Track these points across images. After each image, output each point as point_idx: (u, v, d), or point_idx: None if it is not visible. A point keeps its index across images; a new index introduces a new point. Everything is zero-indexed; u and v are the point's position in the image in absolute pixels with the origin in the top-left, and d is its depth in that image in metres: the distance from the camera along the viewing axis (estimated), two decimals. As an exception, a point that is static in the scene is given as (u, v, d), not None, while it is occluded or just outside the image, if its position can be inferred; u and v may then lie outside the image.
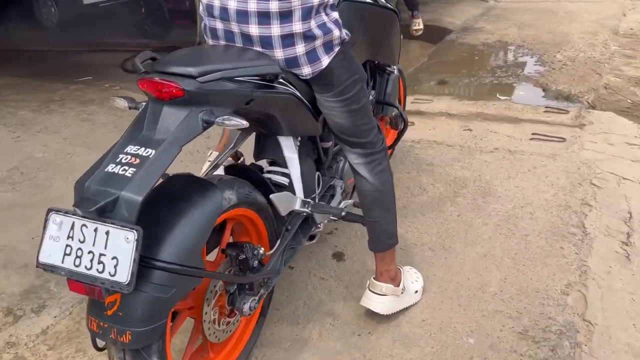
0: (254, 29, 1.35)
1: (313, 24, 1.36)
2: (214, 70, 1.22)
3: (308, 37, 1.36)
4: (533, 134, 3.13)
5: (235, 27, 1.38)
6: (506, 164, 2.77)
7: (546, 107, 3.58)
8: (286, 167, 1.64)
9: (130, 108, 1.30)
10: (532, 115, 3.45)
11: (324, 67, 1.41)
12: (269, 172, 1.70)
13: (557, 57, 4.65)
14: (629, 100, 3.72)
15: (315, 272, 2.01)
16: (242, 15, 1.34)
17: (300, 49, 1.37)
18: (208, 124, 1.20)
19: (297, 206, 1.57)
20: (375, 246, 1.70)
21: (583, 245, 2.08)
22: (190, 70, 1.19)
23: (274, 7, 1.32)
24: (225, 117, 1.20)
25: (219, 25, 1.41)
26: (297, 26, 1.34)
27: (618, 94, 3.83)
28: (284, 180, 1.67)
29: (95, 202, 1.05)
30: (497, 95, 3.91)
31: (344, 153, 1.67)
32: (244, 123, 1.20)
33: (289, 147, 1.58)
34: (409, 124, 2.31)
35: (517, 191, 2.50)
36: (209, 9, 1.40)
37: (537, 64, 4.55)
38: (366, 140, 1.60)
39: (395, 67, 2.17)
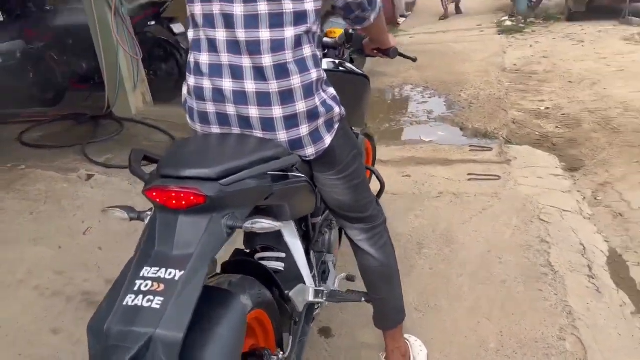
0: (253, 111, 1.25)
1: (316, 101, 1.28)
2: (234, 168, 1.08)
3: (311, 116, 1.28)
4: (469, 174, 3.25)
5: (231, 110, 1.27)
6: (457, 209, 2.83)
7: (470, 146, 3.76)
8: (279, 250, 1.50)
9: (132, 219, 1.11)
10: (460, 155, 3.60)
11: (327, 146, 1.33)
12: (261, 258, 1.54)
13: (462, 96, 4.96)
14: (537, 133, 4.03)
15: (305, 354, 1.85)
16: (240, 97, 1.24)
17: (304, 129, 1.28)
18: (233, 230, 1.05)
19: (312, 297, 1.43)
20: (384, 324, 1.60)
21: (557, 285, 2.14)
22: (208, 172, 1.04)
23: (273, 87, 1.22)
24: (255, 220, 1.06)
25: (211, 108, 1.29)
26: (301, 105, 1.25)
27: (526, 127, 4.14)
28: (278, 265, 1.52)
29: (125, 351, 0.84)
30: (421, 138, 4.04)
31: (345, 231, 1.57)
32: (278, 224, 1.06)
33: (291, 232, 1.44)
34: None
35: (478, 236, 2.54)
36: (198, 91, 1.29)
37: (446, 104, 4.81)
38: (367, 215, 1.53)
39: (362, 129, 2.13)
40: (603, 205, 2.90)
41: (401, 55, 1.93)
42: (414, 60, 2.07)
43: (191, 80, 1.30)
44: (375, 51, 1.88)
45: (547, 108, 4.52)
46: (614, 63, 5.56)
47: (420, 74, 5.92)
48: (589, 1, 7.77)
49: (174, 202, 1.01)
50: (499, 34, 7.67)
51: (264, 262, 1.50)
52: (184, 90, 1.36)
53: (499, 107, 4.56)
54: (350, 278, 1.74)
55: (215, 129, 1.31)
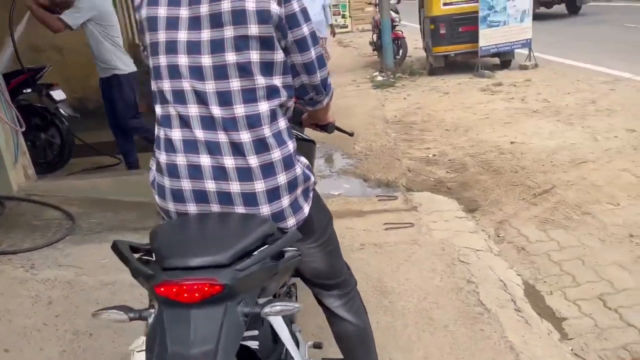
0: (235, 186, 1.23)
1: (297, 171, 1.30)
2: (242, 250, 1.03)
3: (291, 187, 1.30)
4: (385, 224, 3.39)
5: (211, 186, 1.24)
6: (382, 259, 2.92)
7: (377, 196, 3.95)
8: (253, 328, 1.42)
9: (131, 319, 1.01)
10: (371, 205, 3.75)
11: (306, 215, 1.33)
12: None
13: (357, 148, 5.22)
14: (431, 179, 4.35)
15: None
16: (220, 173, 1.23)
17: (285, 201, 1.28)
18: (248, 317, 1.02)
19: None
20: None
21: (494, 322, 2.28)
22: (221, 257, 0.99)
23: (253, 162, 1.23)
24: (274, 305, 1.03)
25: (187, 185, 1.25)
26: (282, 177, 1.27)
27: (420, 174, 4.46)
28: (253, 344, 1.44)
29: None
30: (330, 192, 4.15)
31: (321, 300, 1.54)
32: (298, 305, 1.04)
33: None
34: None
35: (410, 283, 2.64)
36: (171, 168, 1.25)
37: (344, 157, 5.03)
38: (342, 279, 1.54)
39: None
40: (506, 242, 3.19)
41: (338, 129, 1.95)
42: (351, 134, 2.10)
43: (162, 157, 1.26)
44: (313, 126, 1.91)
45: (434, 155, 4.92)
46: (479, 111, 6.25)
47: (311, 130, 6.12)
48: (446, 57, 8.74)
49: (185, 295, 0.94)
50: (374, 89, 8.27)
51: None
52: (152, 167, 1.31)
53: (392, 157, 4.86)
54: (317, 345, 1.70)
55: (192, 207, 1.26)
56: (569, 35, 12.10)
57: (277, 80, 1.25)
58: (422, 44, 9.85)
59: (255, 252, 1.05)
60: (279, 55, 1.24)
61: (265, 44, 1.21)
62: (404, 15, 12.08)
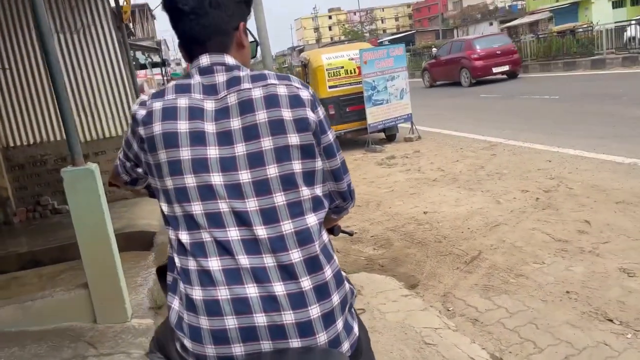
0: (288, 317, 1.07)
1: (346, 287, 1.18)
2: None
3: (343, 306, 1.15)
4: (335, 314, 3.23)
5: (261, 320, 1.08)
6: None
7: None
8: None
9: None
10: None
11: (357, 335, 1.18)
12: None
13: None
14: (362, 258, 4.33)
15: None
16: (270, 303, 1.08)
17: (339, 324, 1.13)
18: None
19: None
20: None
21: (486, 407, 2.21)
22: None
23: (306, 285, 1.09)
24: None
25: (232, 323, 1.08)
26: (335, 298, 1.13)
27: (349, 254, 4.42)
28: None
29: None
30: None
31: None
32: None
33: None
34: None
35: (386, 378, 2.49)
36: (212, 305, 1.09)
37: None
38: None
39: None
40: (458, 315, 3.19)
41: (343, 232, 1.89)
42: (352, 234, 2.03)
43: (196, 292, 1.08)
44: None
45: (355, 232, 4.93)
46: (383, 185, 6.49)
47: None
48: (337, 137, 9.09)
49: None
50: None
51: None
52: (176, 306, 1.13)
53: (317, 240, 4.77)
54: None
55: (238, 348, 1.07)
56: (444, 107, 13.38)
57: (319, 190, 1.17)
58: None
59: None
60: (319, 164, 1.17)
61: (307, 152, 1.14)
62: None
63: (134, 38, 23.04)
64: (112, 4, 7.43)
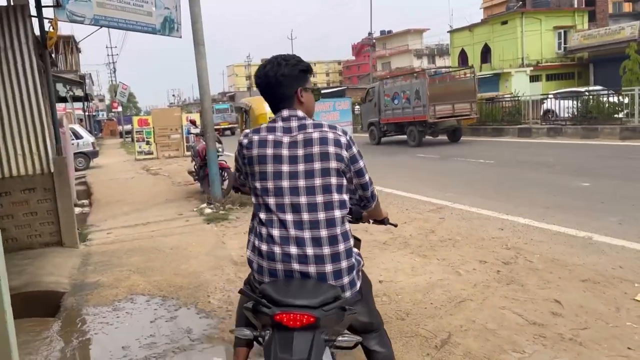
0: (312, 268, 1.94)
1: (353, 260, 2.05)
2: (324, 300, 1.77)
3: (350, 270, 2.02)
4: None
5: (296, 267, 1.94)
6: None
7: None
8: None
9: (255, 338, 1.88)
10: None
11: (358, 289, 2.08)
12: None
13: (213, 302, 4.37)
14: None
15: None
16: (303, 259, 1.94)
17: (345, 280, 2.00)
18: (327, 343, 1.75)
19: None
20: None
21: None
22: (313, 302, 1.74)
23: (326, 251, 1.95)
24: (344, 335, 1.84)
25: (280, 267, 1.96)
26: (344, 263, 1.99)
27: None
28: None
29: None
30: (199, 373, 3.20)
31: (363, 342, 2.18)
32: (359, 338, 1.88)
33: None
34: None
35: None
36: (270, 255, 1.96)
37: (201, 316, 4.11)
38: (376, 325, 2.29)
39: None
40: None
41: (390, 223, 2.75)
42: (396, 226, 2.96)
43: (264, 246, 1.97)
44: (371, 221, 2.66)
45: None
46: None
47: (146, 279, 5.08)
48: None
49: (291, 322, 1.68)
50: (208, 223, 7.54)
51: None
52: (250, 253, 2.06)
53: (261, 312, 4.13)
54: None
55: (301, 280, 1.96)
56: (384, 165, 13.29)
57: (345, 196, 2.02)
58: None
59: (332, 304, 1.77)
60: (346, 181, 2.05)
61: (339, 173, 2.01)
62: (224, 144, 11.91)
63: (56, 69, 21.69)
64: (37, 30, 6.62)
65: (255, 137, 2.02)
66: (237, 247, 6.19)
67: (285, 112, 2.05)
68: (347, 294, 1.93)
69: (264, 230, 1.93)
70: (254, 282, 2.05)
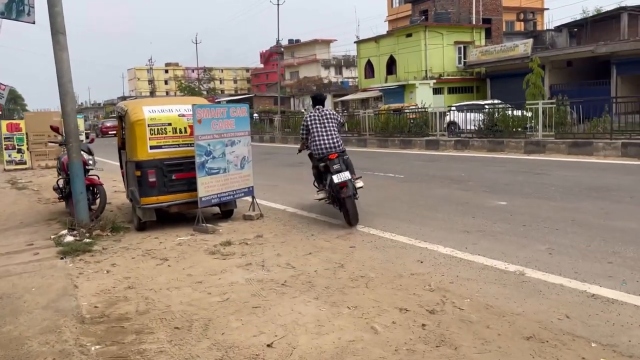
0: (337, 144, 7.17)
1: (344, 147, 7.39)
2: (343, 150, 7.20)
3: (343, 146, 7.30)
4: None
5: (330, 146, 7.16)
6: None
7: None
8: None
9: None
10: None
11: (345, 150, 7.40)
12: None
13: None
14: None
15: None
16: (333, 143, 7.14)
17: (342, 147, 7.25)
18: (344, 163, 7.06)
19: None
20: None
21: None
22: (339, 150, 7.19)
23: (338, 143, 7.19)
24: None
25: (324, 150, 7.17)
26: (342, 145, 7.25)
27: None
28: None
29: None
30: None
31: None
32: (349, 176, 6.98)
33: None
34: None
35: None
36: (321, 146, 7.18)
37: None
38: (352, 169, 7.44)
39: None
40: None
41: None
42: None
43: (314, 144, 7.25)
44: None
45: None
46: (214, 289, 4.73)
47: None
48: (158, 209, 7.14)
49: (331, 155, 6.91)
50: (62, 257, 5.94)
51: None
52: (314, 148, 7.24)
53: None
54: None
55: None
56: (284, 178, 12.13)
57: (338, 128, 7.41)
58: (125, 191, 8.08)
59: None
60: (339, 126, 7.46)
61: (338, 124, 7.44)
62: (99, 150, 10.17)
63: None
64: None
65: (310, 115, 7.41)
66: (94, 293, 4.74)
67: (320, 107, 7.44)
68: (345, 153, 6.98)
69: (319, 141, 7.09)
70: (315, 157, 7.18)
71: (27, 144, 17.32)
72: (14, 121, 18.85)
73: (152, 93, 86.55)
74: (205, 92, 65.30)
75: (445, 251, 5.43)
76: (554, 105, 14.99)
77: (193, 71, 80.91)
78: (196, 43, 66.18)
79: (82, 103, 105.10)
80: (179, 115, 7.22)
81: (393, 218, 7.14)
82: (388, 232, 6.33)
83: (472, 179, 10.18)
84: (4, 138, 17.39)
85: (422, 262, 5.11)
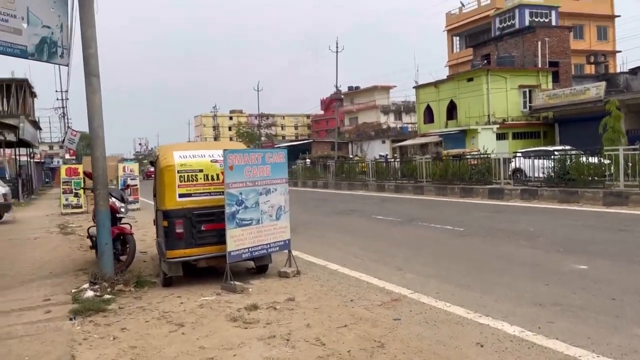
0: None
1: None
2: None
3: None
4: None
5: None
6: None
7: None
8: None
9: None
10: None
11: None
12: None
13: None
14: None
15: None
16: None
17: None
18: None
19: None
20: None
21: None
22: None
23: None
24: None
25: None
26: None
27: None
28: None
29: None
30: None
31: None
32: None
33: None
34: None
35: None
36: None
37: None
38: None
39: None
40: None
41: None
42: None
43: None
44: None
45: None
46: (226, 368, 3.92)
47: None
48: (185, 264, 6.51)
49: None
50: (71, 318, 5.34)
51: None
52: None
53: None
54: None
55: None
56: (331, 227, 11.35)
57: None
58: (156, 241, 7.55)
59: None
60: None
61: None
62: (145, 192, 9.79)
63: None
64: None
65: None
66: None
67: None
68: None
69: None
70: None
71: (84, 188, 17.58)
72: (72, 165, 19.32)
73: (216, 138, 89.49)
74: (264, 138, 66.29)
75: (512, 331, 4.37)
76: (638, 152, 13.42)
77: (256, 118, 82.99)
78: (258, 90, 67.95)
79: (151, 148, 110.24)
80: (211, 161, 6.66)
81: (448, 282, 6.12)
82: (442, 301, 5.32)
83: (542, 234, 8.95)
84: (63, 182, 17.74)
85: (482, 346, 4.08)
